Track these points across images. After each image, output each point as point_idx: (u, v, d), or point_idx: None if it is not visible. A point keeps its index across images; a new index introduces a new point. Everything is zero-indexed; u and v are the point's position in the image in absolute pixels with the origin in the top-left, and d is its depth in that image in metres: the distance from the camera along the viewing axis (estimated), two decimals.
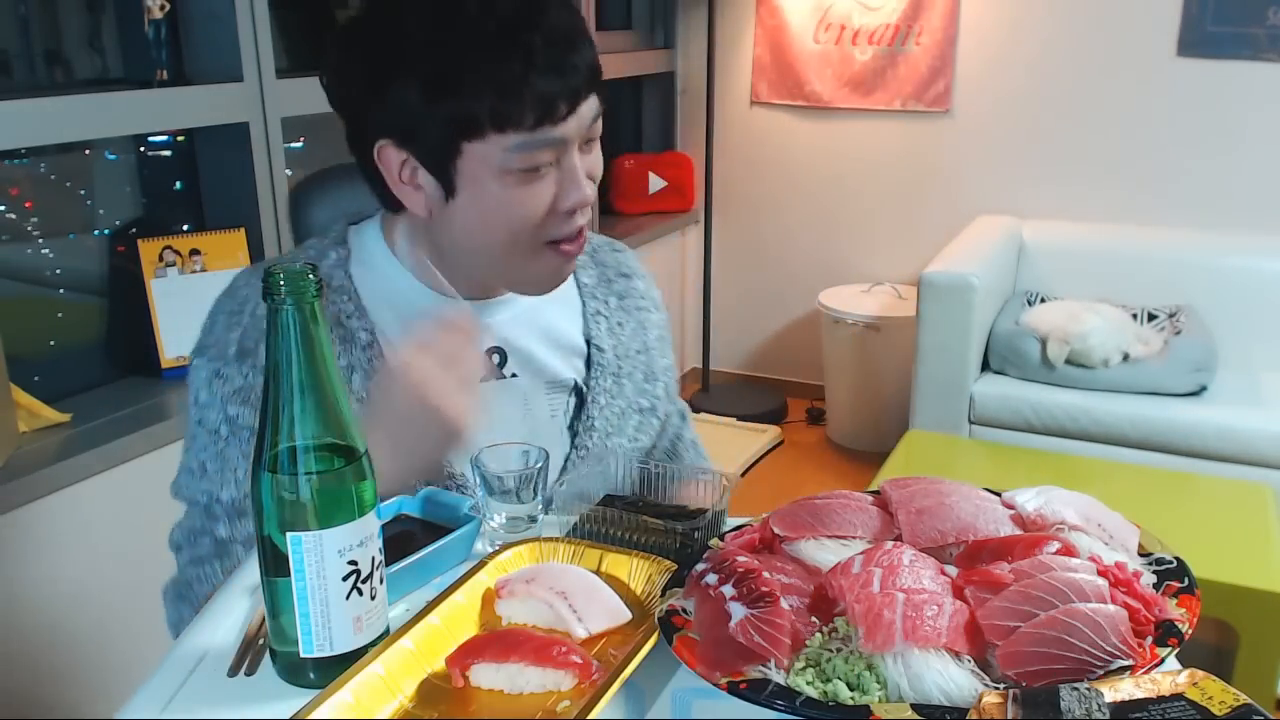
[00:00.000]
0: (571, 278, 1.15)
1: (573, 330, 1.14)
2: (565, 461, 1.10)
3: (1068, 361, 2.83)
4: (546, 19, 0.93)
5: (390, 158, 0.98)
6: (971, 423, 2.91)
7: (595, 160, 1.01)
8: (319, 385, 0.69)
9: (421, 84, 0.93)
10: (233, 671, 0.74)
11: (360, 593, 0.71)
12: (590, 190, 0.98)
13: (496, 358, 1.08)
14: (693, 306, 3.97)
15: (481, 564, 0.82)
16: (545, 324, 1.12)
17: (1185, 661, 0.64)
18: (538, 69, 0.91)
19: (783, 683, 0.64)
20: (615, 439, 1.13)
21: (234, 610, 0.82)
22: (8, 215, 1.94)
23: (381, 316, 1.04)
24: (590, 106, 0.97)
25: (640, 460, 0.98)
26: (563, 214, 0.98)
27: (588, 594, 0.78)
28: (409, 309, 1.05)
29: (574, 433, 1.12)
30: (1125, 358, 2.82)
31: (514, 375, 1.09)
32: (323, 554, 0.69)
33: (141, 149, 2.15)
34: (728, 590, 0.70)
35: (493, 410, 1.05)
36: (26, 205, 1.97)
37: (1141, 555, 0.75)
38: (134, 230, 2.08)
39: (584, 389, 1.13)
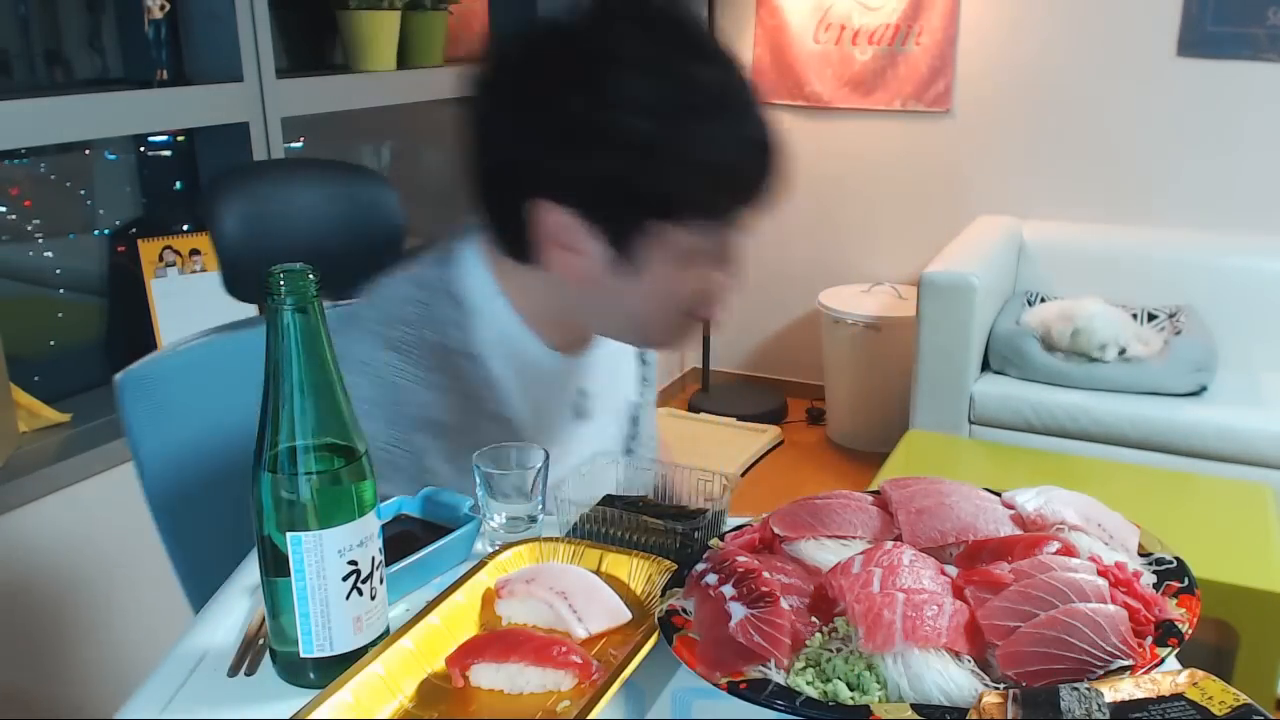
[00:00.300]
0: None
1: (628, 352, 1.15)
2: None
3: (1069, 350, 2.83)
4: (755, 101, 0.90)
5: (552, 217, 0.90)
6: (971, 423, 2.91)
7: None
8: (319, 385, 0.69)
9: (636, 154, 0.86)
10: (233, 671, 0.74)
11: (360, 593, 0.71)
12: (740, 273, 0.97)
13: (582, 400, 1.09)
14: None
15: (481, 564, 0.82)
16: (616, 354, 1.12)
17: (1185, 661, 0.64)
18: (752, 157, 0.89)
19: (783, 683, 0.64)
20: (645, 445, 1.15)
21: (234, 610, 0.82)
22: (8, 215, 1.94)
23: (490, 359, 1.01)
24: None
25: (641, 462, 0.98)
26: (717, 290, 0.97)
27: (588, 594, 0.78)
28: (515, 351, 1.01)
29: (628, 452, 1.13)
30: (1122, 352, 2.83)
31: (596, 414, 1.10)
32: (323, 554, 0.69)
33: (142, 149, 2.15)
34: (728, 590, 0.70)
35: (573, 451, 1.05)
36: (26, 205, 1.97)
37: (1141, 555, 0.75)
38: (134, 230, 2.08)
39: (635, 409, 1.15)
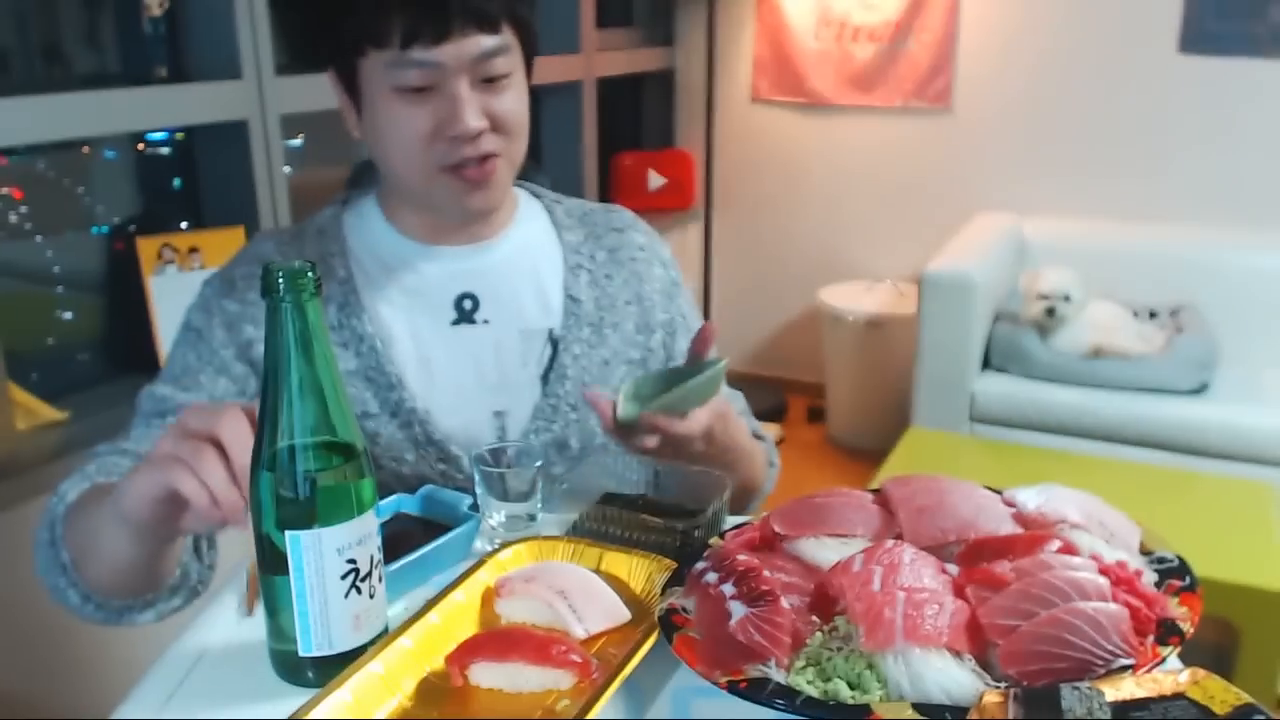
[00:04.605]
0: (556, 236, 1.19)
1: (552, 283, 1.16)
2: (534, 410, 1.11)
3: (1035, 319, 2.85)
4: None
5: (334, 84, 1.06)
6: (972, 420, 2.91)
7: (503, 101, 1.04)
8: (318, 383, 0.69)
9: (319, 3, 1.04)
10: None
11: (359, 591, 0.71)
12: (473, 122, 1.00)
13: (469, 303, 1.12)
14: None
15: (481, 563, 0.81)
16: (523, 275, 1.15)
17: (1187, 660, 0.63)
18: None
19: (783, 682, 0.63)
20: (595, 388, 1.14)
21: (232, 610, 0.82)
22: (6, 212, 1.94)
23: (362, 257, 1.11)
24: (479, 41, 1.00)
25: (641, 460, 0.98)
26: (449, 140, 1.01)
27: (587, 593, 0.77)
28: (384, 251, 1.12)
29: (545, 381, 1.13)
30: (1066, 299, 2.86)
31: (485, 322, 1.12)
32: (321, 552, 0.69)
33: (140, 146, 2.15)
34: (728, 589, 0.70)
35: (459, 354, 1.10)
36: (16, 197, 1.97)
37: (1143, 553, 0.75)
38: (132, 227, 2.08)
39: (557, 339, 1.15)
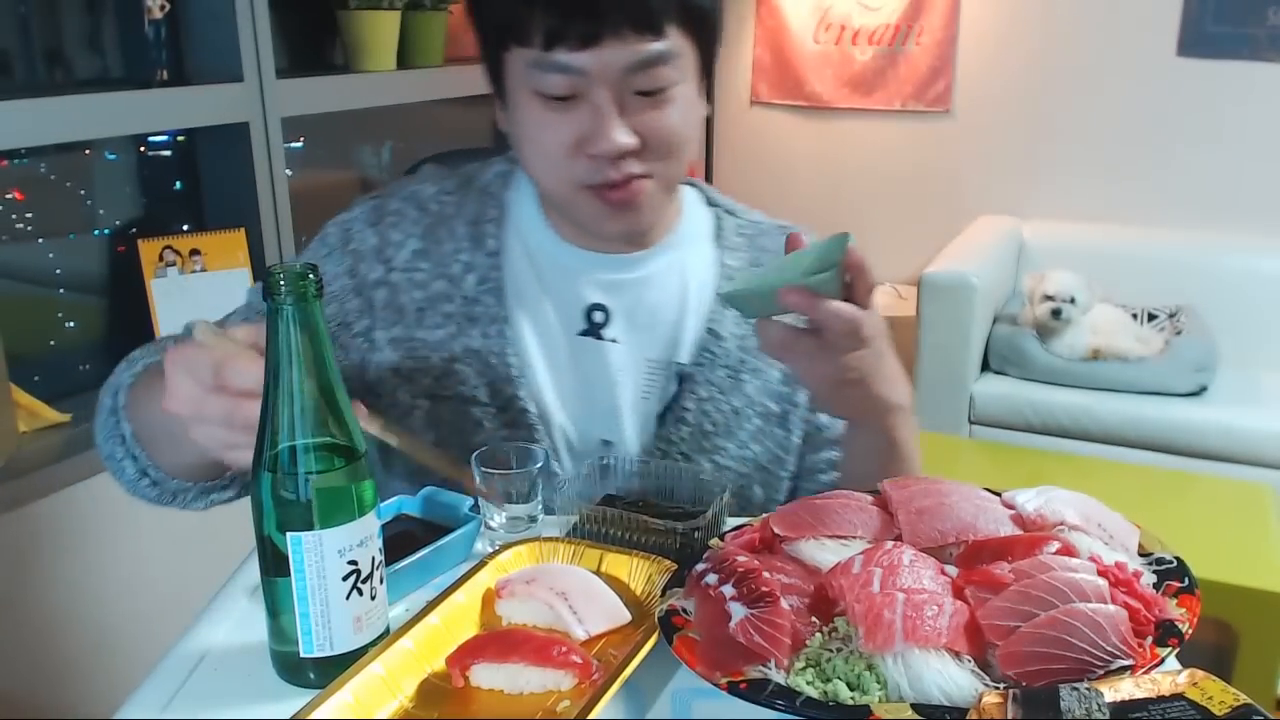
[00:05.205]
0: (716, 256, 1.06)
1: (696, 312, 1.04)
2: (642, 448, 1.01)
3: (1053, 315, 2.86)
4: None
5: (483, 70, 0.98)
6: (972, 423, 2.91)
7: (662, 117, 0.91)
8: (319, 385, 0.69)
9: None
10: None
11: (360, 593, 0.71)
12: (619, 140, 0.88)
13: (599, 316, 1.02)
14: None
15: (481, 564, 0.82)
16: (666, 297, 1.04)
17: (1185, 661, 0.63)
18: None
19: (783, 683, 0.64)
20: (717, 440, 1.02)
21: (233, 611, 0.82)
22: (8, 215, 1.94)
23: (512, 234, 1.04)
24: (636, 47, 0.87)
25: (641, 459, 0.98)
26: (590, 158, 0.90)
27: (588, 595, 0.78)
28: (529, 236, 1.04)
29: (661, 421, 1.01)
30: (1071, 301, 2.88)
31: (613, 340, 1.02)
32: (323, 554, 0.69)
33: (141, 149, 2.15)
34: (728, 590, 0.70)
35: (577, 368, 1.02)
36: (17, 198, 1.97)
37: (1142, 555, 0.75)
38: (134, 230, 2.08)
39: (684, 376, 1.02)
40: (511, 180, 1.06)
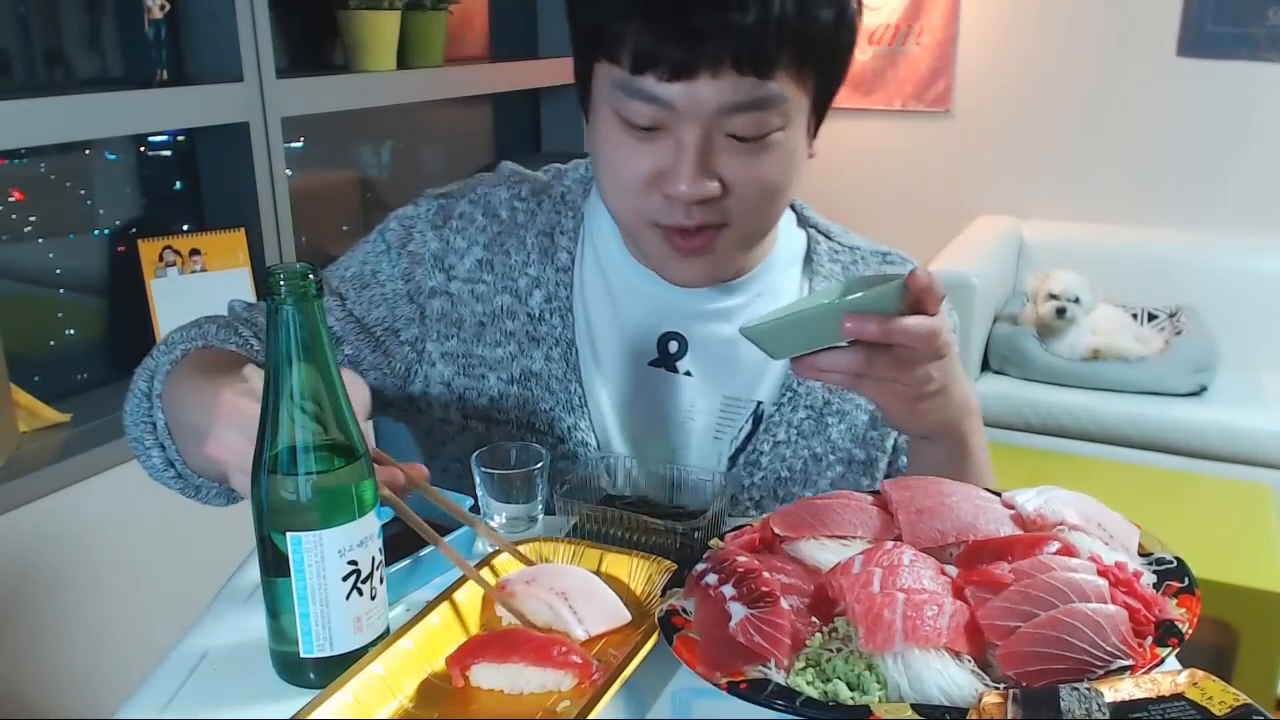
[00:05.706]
0: (806, 283, 0.98)
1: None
2: (711, 495, 0.89)
3: (1057, 314, 2.86)
4: None
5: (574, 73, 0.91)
6: None
7: (755, 165, 0.82)
8: (319, 385, 0.69)
9: None
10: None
11: (360, 593, 0.71)
12: (692, 187, 0.80)
13: (674, 346, 0.95)
14: None
15: (482, 564, 0.82)
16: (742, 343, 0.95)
17: (1185, 661, 0.63)
18: (657, 5, 0.76)
19: (783, 683, 0.64)
20: (794, 488, 0.95)
21: (233, 611, 0.82)
22: (8, 215, 1.94)
23: (587, 249, 0.96)
24: (735, 85, 0.77)
25: (641, 459, 0.98)
26: (665, 196, 0.83)
27: (588, 595, 0.78)
28: (604, 254, 0.96)
29: (733, 463, 0.95)
30: (1076, 300, 2.88)
31: (687, 374, 0.95)
32: (323, 554, 0.69)
33: (141, 149, 2.15)
34: (728, 590, 0.70)
35: (646, 400, 0.95)
36: (17, 198, 1.97)
37: (1142, 555, 0.75)
38: (134, 230, 2.08)
39: (762, 416, 0.95)
40: (594, 187, 0.98)
